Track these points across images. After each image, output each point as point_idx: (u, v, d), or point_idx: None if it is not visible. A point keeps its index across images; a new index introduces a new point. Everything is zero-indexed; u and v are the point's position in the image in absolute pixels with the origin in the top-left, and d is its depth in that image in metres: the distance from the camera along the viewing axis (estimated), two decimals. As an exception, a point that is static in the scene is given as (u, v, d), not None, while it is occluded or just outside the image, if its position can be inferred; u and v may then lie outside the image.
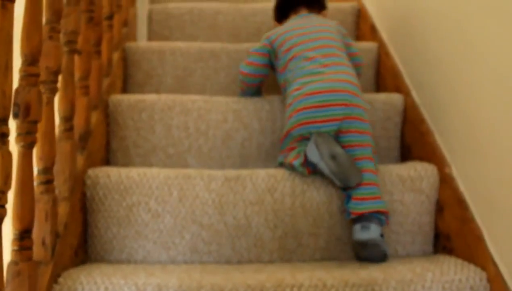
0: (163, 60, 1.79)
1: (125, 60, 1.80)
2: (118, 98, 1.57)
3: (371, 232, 1.22)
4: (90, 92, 1.42)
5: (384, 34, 1.86)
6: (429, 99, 1.48)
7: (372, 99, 1.59)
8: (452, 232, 1.28)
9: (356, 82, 1.38)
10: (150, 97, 1.57)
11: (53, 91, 1.12)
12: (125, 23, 1.86)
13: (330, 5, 2.09)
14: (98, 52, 1.49)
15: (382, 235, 1.25)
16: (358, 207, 1.25)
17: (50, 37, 1.07)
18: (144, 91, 1.79)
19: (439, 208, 1.34)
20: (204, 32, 2.04)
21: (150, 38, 2.04)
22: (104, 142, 1.53)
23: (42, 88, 1.07)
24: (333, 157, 1.24)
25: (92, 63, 1.44)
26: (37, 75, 0.95)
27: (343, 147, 1.30)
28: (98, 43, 1.49)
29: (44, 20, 1.05)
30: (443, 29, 1.40)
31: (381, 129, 1.58)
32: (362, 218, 1.24)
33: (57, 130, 1.23)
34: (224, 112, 1.55)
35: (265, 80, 1.60)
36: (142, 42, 1.84)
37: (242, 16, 2.05)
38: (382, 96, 1.60)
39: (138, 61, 1.80)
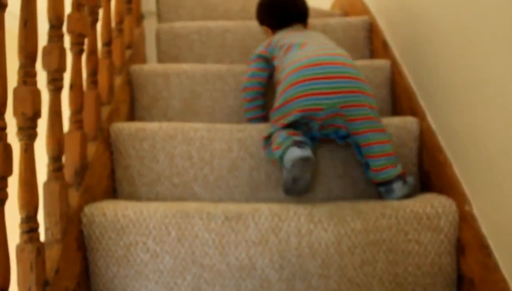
0: (169, 83, 1.64)
1: (130, 83, 1.65)
2: (119, 127, 1.42)
3: (397, 192, 1.25)
4: (85, 125, 1.28)
5: (396, 51, 1.68)
6: (444, 125, 1.30)
7: (385, 124, 1.41)
8: (476, 277, 1.10)
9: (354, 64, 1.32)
10: (151, 126, 1.41)
11: (32, 137, 0.97)
12: (129, 46, 1.72)
13: (341, 20, 1.93)
14: (94, 82, 1.35)
15: (405, 181, 1.27)
16: (379, 177, 1.27)
17: (24, 82, 0.93)
18: (151, 115, 1.64)
19: (461, 248, 1.16)
20: (213, 51, 1.89)
21: (159, 58, 1.89)
22: (106, 173, 1.38)
23: (19, 135, 0.94)
24: (295, 181, 1.21)
25: (87, 95, 1.31)
26: (3, 128, 0.81)
27: (359, 119, 1.26)
28: (94, 72, 1.35)
29: (18, 64, 0.92)
30: (453, 53, 1.22)
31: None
32: (383, 183, 1.27)
33: (46, 170, 1.11)
34: (228, 141, 1.39)
35: (265, 85, 1.53)
36: (147, 64, 1.69)
37: (251, 34, 1.88)
38: (395, 121, 1.43)
39: (143, 85, 1.65)
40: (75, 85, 1.22)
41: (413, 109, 1.48)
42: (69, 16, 1.24)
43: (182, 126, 1.41)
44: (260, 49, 1.51)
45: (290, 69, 1.29)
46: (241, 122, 1.62)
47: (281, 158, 1.22)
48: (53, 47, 1.07)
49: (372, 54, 1.91)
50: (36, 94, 0.95)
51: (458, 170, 1.21)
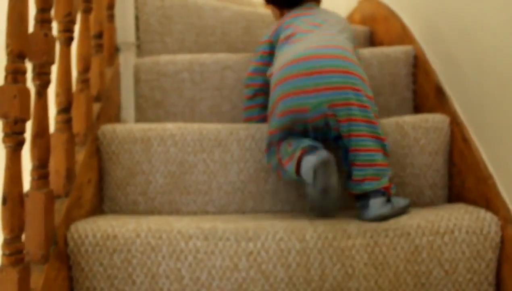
0: (150, 152, 1.33)
1: (99, 151, 1.34)
2: (80, 233, 1.12)
3: (373, 210, 1.15)
4: (29, 244, 1.00)
5: (457, 104, 1.37)
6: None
7: (452, 227, 1.11)
8: None
9: (351, 49, 1.26)
10: (125, 232, 1.11)
11: None
12: (97, 97, 1.40)
13: (376, 51, 1.62)
14: (43, 177, 1.04)
15: (388, 199, 1.17)
16: (355, 188, 1.18)
17: None
18: (126, 194, 1.33)
19: None
20: (208, 94, 1.57)
21: (138, 104, 1.57)
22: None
23: None
24: (325, 191, 1.11)
25: (32, 199, 1.02)
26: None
27: (346, 120, 1.18)
28: (43, 164, 1.05)
29: None
30: None
31: (465, 270, 1.11)
32: (361, 197, 1.18)
33: None
34: (233, 256, 1.09)
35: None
36: (120, 125, 1.37)
37: (258, 72, 1.56)
38: (465, 221, 1.13)
39: (116, 154, 1.34)
40: (10, 198, 0.92)
41: (488, 200, 1.18)
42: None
43: (169, 232, 1.11)
44: (264, 38, 1.44)
45: (277, 66, 1.25)
46: (246, 204, 1.34)
47: (297, 172, 1.16)
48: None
49: (417, 98, 1.59)
50: None
51: None
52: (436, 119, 1.37)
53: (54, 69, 1.13)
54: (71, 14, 1.20)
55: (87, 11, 1.34)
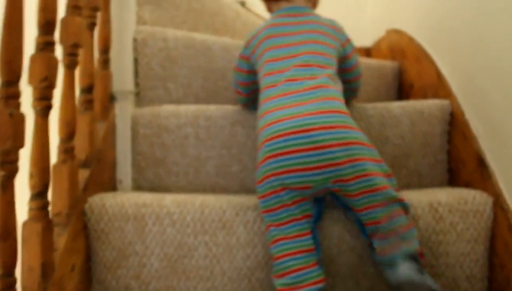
0: (144, 232, 1.21)
1: (86, 228, 1.22)
2: None
3: (402, 270, 1.06)
4: None
5: (502, 183, 1.22)
6: None
7: None
8: None
9: (346, 110, 1.15)
10: None
11: None
12: (85, 163, 1.27)
13: (407, 106, 1.49)
14: (10, 287, 0.93)
15: (421, 271, 1.07)
16: (384, 260, 1.10)
17: None
18: (117, 277, 1.22)
19: None
20: (216, 153, 1.43)
21: (135, 163, 1.44)
22: None
23: None
24: None
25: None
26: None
27: (357, 194, 1.10)
28: (9, 273, 0.93)
29: None
30: None
31: None
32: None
33: None
34: None
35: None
36: (110, 197, 1.24)
37: (272, 130, 1.42)
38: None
39: (105, 233, 1.22)
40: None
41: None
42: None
43: None
44: (243, 53, 1.34)
45: (266, 135, 1.13)
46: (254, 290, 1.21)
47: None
48: None
49: (452, 162, 1.44)
50: None
51: None
52: (477, 201, 1.22)
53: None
54: (48, 79, 1.06)
55: (71, 67, 1.20)
